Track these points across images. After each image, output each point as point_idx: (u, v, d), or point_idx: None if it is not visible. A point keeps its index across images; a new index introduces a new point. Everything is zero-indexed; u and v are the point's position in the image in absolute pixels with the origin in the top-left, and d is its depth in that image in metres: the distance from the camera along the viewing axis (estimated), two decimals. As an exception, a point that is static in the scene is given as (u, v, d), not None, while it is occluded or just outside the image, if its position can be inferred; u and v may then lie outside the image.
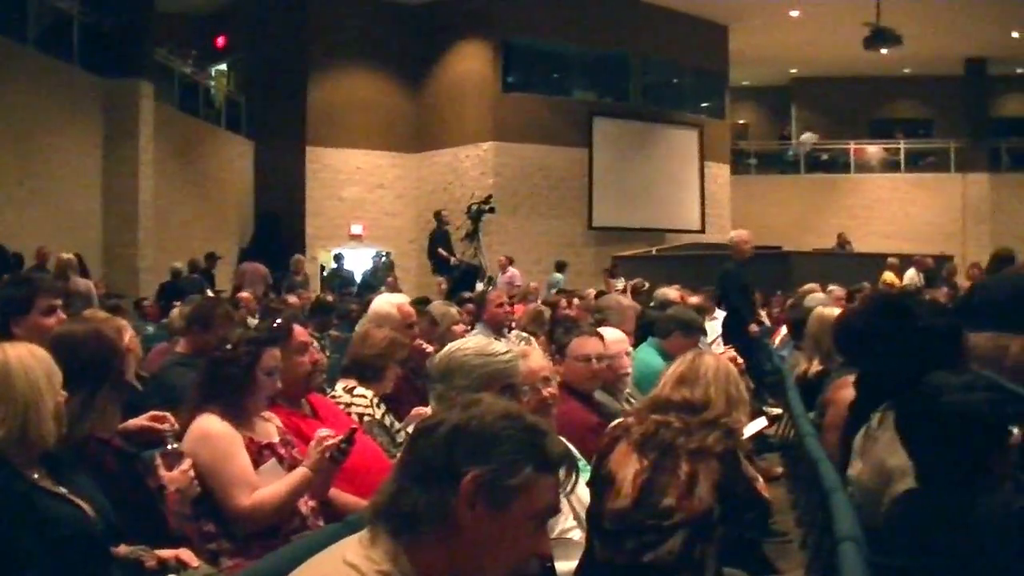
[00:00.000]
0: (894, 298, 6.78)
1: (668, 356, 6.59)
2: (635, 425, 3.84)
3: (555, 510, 2.21)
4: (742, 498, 3.73)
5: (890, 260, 18.26)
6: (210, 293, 15.70)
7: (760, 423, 5.95)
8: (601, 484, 3.78)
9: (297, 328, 4.76)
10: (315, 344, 4.99)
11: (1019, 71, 34.19)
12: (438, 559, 2.05)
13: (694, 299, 11.39)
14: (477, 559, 2.06)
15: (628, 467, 3.71)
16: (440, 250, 20.53)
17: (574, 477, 2.19)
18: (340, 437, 3.99)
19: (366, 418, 5.09)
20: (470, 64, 26.37)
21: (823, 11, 27.21)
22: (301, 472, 3.97)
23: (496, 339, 6.85)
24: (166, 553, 3.40)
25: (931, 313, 4.43)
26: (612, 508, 3.66)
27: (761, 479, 4.07)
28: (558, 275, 21.40)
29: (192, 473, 3.70)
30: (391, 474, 2.15)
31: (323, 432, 4.04)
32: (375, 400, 5.23)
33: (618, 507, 3.65)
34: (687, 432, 3.73)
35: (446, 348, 4.29)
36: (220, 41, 27.58)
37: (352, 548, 2.07)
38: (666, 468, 3.66)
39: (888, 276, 17.24)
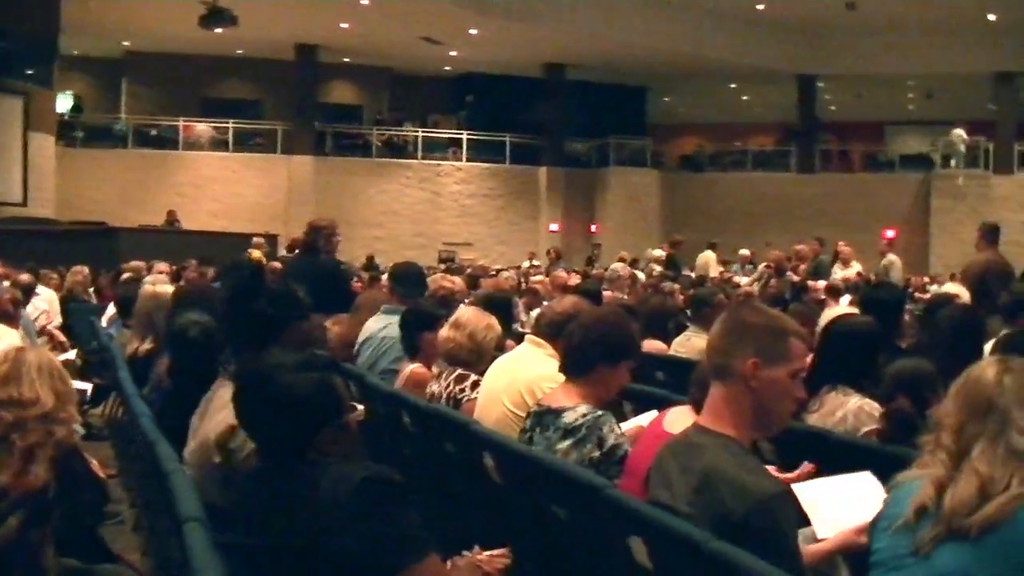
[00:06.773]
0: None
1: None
2: None
3: None
4: (81, 477, 3.78)
5: (256, 240, 18.32)
6: None
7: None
8: None
9: None
10: None
11: (346, 60, 35.80)
12: None
13: (24, 276, 11.06)
14: None
15: None
16: None
17: None
18: None
19: None
20: None
21: (161, -14, 26.88)
22: None
23: None
24: None
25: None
26: None
27: (96, 461, 4.07)
28: None
29: None
30: None
31: None
32: None
33: None
34: (21, 427, 3.70)
35: None
36: None
37: None
38: (2, 447, 3.63)
39: (256, 254, 17.38)
